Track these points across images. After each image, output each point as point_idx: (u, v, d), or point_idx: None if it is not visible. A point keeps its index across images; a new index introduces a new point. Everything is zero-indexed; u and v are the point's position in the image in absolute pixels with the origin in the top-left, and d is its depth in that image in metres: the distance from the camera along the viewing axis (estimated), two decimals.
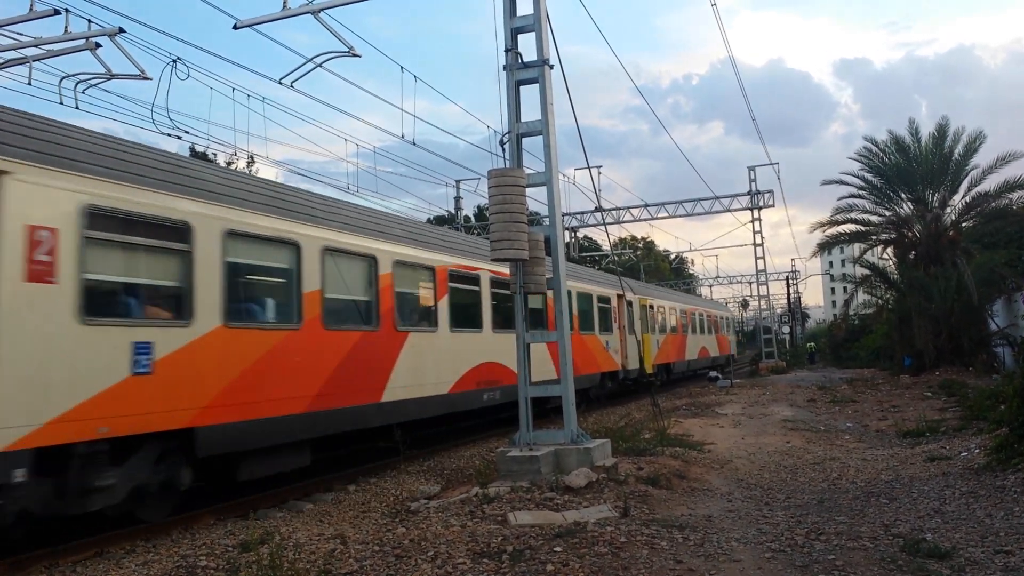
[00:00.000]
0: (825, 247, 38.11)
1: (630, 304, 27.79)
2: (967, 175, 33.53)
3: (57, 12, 14.01)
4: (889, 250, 37.07)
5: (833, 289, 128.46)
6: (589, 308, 21.61)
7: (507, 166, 11.89)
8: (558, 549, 7.16)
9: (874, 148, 35.22)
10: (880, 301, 38.68)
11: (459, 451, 16.61)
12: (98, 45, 14.63)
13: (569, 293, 17.95)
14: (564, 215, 35.12)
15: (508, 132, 11.99)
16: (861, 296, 43.65)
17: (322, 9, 14.19)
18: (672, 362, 33.40)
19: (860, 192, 35.58)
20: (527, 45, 12.00)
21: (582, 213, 43.20)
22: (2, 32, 14.71)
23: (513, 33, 12.00)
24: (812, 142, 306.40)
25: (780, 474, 11.64)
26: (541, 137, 11.80)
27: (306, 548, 7.80)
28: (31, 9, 14.15)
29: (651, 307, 30.77)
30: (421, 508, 9.69)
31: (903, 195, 34.87)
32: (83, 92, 15.80)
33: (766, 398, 25.15)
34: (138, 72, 15.17)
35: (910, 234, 34.92)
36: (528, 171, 11.93)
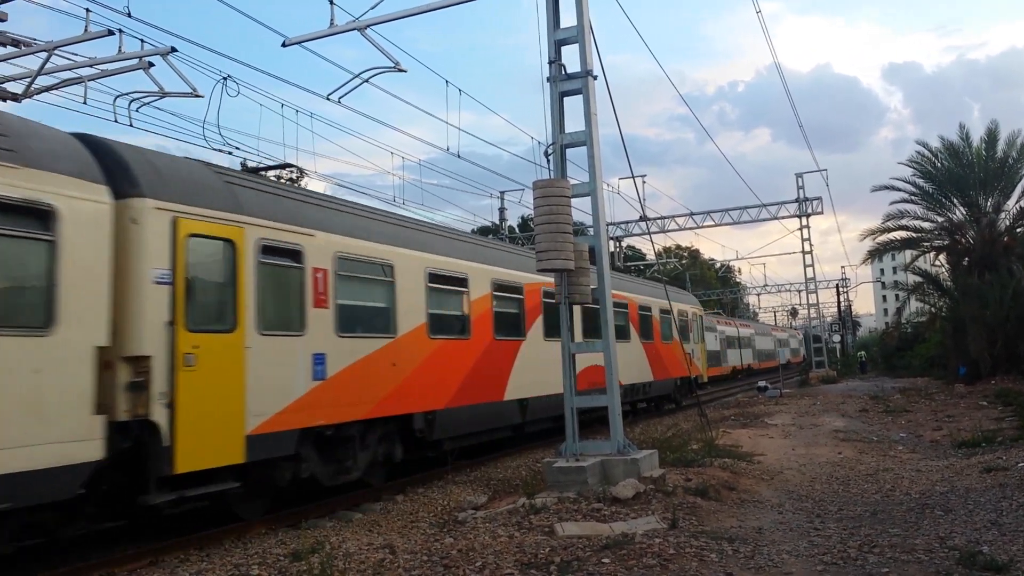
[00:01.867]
0: (876, 254, 37.50)
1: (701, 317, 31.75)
2: (1022, 179, 32.83)
3: (111, 33, 14.37)
4: (942, 257, 36.38)
5: (884, 297, 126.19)
6: (672, 321, 24.85)
7: (552, 177, 11.92)
8: (606, 561, 7.14)
9: (925, 153, 34.66)
10: (933, 309, 37.94)
11: (505, 461, 16.62)
12: (151, 64, 14.98)
13: (667, 310, 25.50)
14: (608, 225, 35.02)
15: (552, 143, 12.03)
16: (913, 304, 42.84)
17: (368, 25, 14.37)
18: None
19: (911, 198, 35.01)
20: (571, 56, 12.05)
21: (627, 223, 43.06)
22: (58, 53, 15.13)
23: (557, 45, 12.05)
24: (861, 148, 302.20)
25: (832, 486, 11.47)
26: (585, 148, 11.82)
27: (356, 558, 7.87)
28: (86, 30, 14.53)
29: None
30: (468, 518, 9.72)
31: (955, 200, 34.21)
32: (137, 110, 16.19)
33: (816, 408, 24.78)
34: (190, 90, 15.49)
35: (963, 240, 34.24)
36: (572, 181, 11.95)
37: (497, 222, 47.05)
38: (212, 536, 10.30)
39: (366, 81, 15.71)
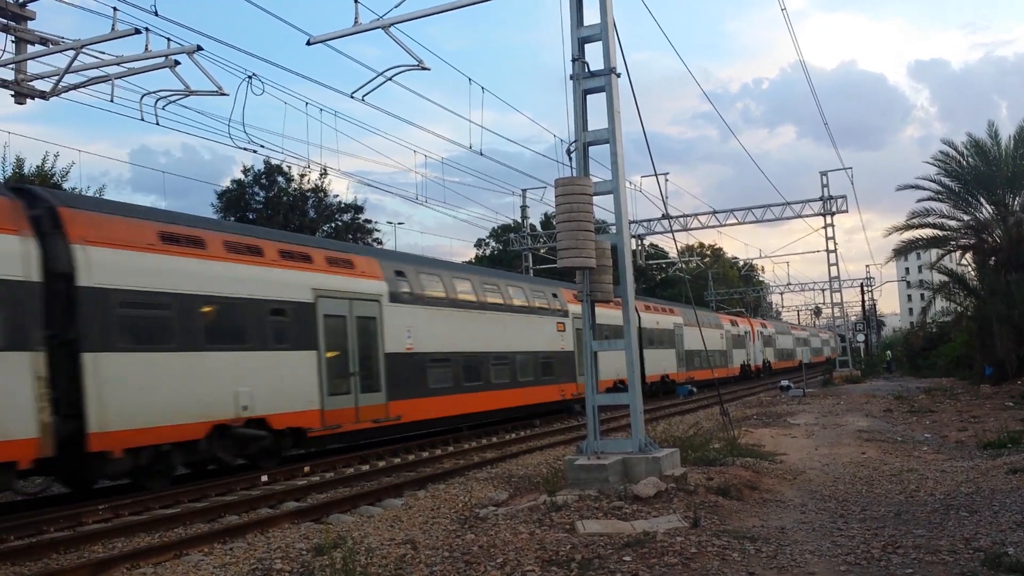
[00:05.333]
0: (901, 252, 37.13)
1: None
2: None
3: (138, 31, 14.52)
4: (968, 256, 35.97)
5: (910, 296, 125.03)
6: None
7: (574, 175, 11.92)
8: (627, 559, 7.14)
9: (951, 152, 34.25)
10: (959, 308, 37.53)
11: (526, 458, 16.66)
12: (177, 63, 15.12)
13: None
14: (631, 223, 35.01)
15: (575, 141, 12.03)
16: (939, 303, 42.39)
17: (392, 24, 14.42)
18: None
19: (938, 196, 34.63)
20: (594, 54, 12.02)
21: (649, 220, 42.96)
22: (86, 51, 15.30)
23: (580, 43, 12.03)
24: (887, 146, 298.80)
25: (855, 486, 11.39)
26: (608, 145, 11.81)
27: (378, 553, 7.92)
28: (113, 29, 14.69)
29: None
30: (490, 515, 9.74)
31: (982, 199, 33.77)
32: (163, 108, 16.36)
33: (840, 408, 24.63)
34: (215, 88, 15.63)
35: (990, 239, 33.83)
36: (595, 179, 11.94)
37: (519, 220, 47.06)
38: (236, 529, 10.42)
39: (390, 79, 15.78)
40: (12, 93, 15.36)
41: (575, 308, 25.84)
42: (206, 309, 14.43)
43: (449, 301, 21.38)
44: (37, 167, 31.74)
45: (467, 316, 22.05)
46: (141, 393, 12.98)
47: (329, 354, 16.87)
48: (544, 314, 26.03)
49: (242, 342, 14.98)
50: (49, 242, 12.26)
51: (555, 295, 27.23)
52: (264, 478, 14.66)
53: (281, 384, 15.64)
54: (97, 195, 32.36)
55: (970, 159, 33.74)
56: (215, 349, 14.38)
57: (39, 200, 12.86)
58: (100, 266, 12.73)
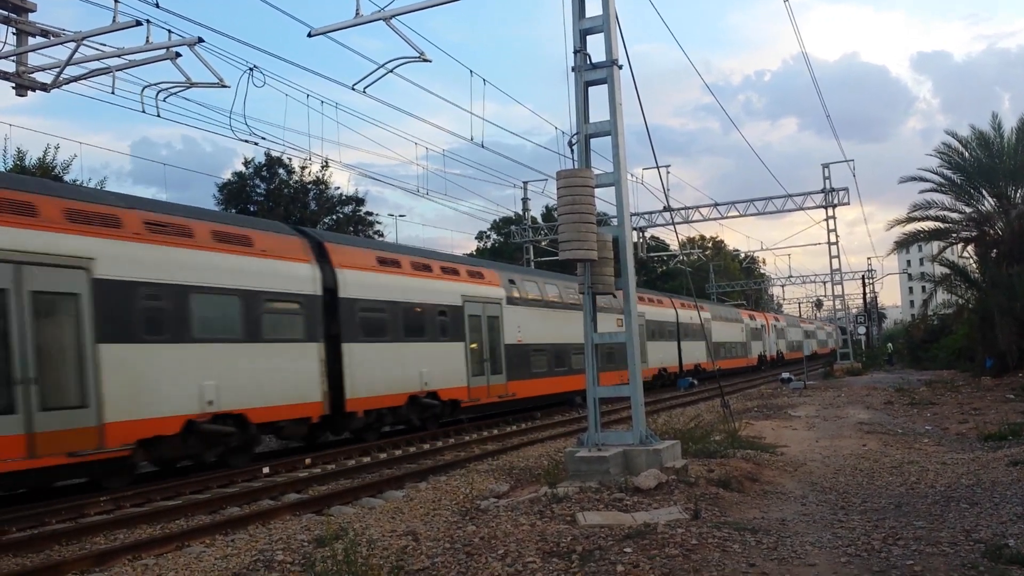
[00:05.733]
0: (903, 245, 37.11)
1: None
2: None
3: (139, 23, 14.48)
4: (970, 248, 35.92)
5: (911, 288, 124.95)
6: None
7: (575, 167, 11.90)
8: (628, 550, 7.15)
9: (954, 143, 34.17)
10: (960, 301, 37.49)
11: (527, 451, 16.68)
12: (178, 55, 15.09)
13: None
14: (632, 215, 35.00)
15: (576, 133, 12.01)
16: (940, 296, 42.34)
17: (393, 15, 14.39)
18: None
19: (940, 188, 34.56)
20: (596, 46, 11.99)
21: (650, 213, 42.93)
22: (87, 43, 15.26)
23: (582, 34, 12.00)
24: (889, 138, 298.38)
25: (856, 478, 11.40)
26: (609, 137, 11.79)
27: (379, 544, 7.93)
28: (114, 21, 14.65)
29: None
30: (491, 507, 9.76)
31: (984, 191, 33.71)
32: (164, 100, 16.33)
33: (841, 400, 24.63)
34: (216, 80, 15.59)
35: (992, 231, 33.77)
36: (596, 172, 11.92)
37: (520, 212, 47.02)
38: (237, 521, 10.44)
39: (391, 71, 15.75)
40: (13, 85, 15.34)
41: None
42: (403, 312, 19.69)
43: (544, 302, 26.68)
44: (38, 159, 31.72)
45: (556, 314, 27.05)
46: (372, 372, 18.20)
47: (471, 345, 22.19)
48: (610, 312, 29.70)
49: (423, 336, 20.26)
50: (322, 267, 17.31)
51: (614, 296, 31.48)
52: (265, 470, 14.70)
53: (444, 367, 20.85)
54: (99, 187, 32.35)
55: (973, 151, 33.68)
56: (409, 341, 19.64)
57: (310, 237, 18.10)
58: (349, 283, 17.93)
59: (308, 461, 15.79)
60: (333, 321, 17.30)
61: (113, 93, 15.80)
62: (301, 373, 16.32)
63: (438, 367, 20.46)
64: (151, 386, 13.26)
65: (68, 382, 12.20)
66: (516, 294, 24.85)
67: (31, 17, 15.19)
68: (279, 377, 15.75)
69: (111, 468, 12.85)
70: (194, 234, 14.58)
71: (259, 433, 15.64)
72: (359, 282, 18.17)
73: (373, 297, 18.58)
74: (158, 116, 16.36)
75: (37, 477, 11.93)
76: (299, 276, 16.64)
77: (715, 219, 41.97)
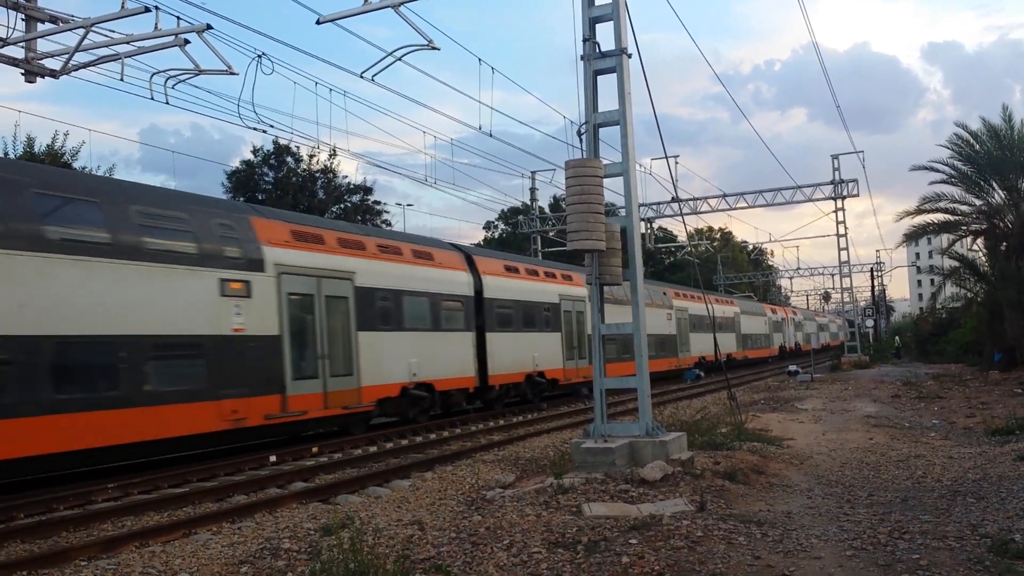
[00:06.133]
0: (912, 237, 36.91)
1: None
2: None
3: (148, 10, 14.48)
4: (979, 241, 35.73)
5: (920, 281, 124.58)
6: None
7: (584, 156, 11.86)
8: (633, 541, 7.16)
9: (964, 135, 33.94)
10: (969, 294, 37.34)
11: (533, 441, 16.70)
12: (187, 42, 15.07)
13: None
14: (640, 205, 34.94)
15: (585, 122, 11.96)
16: (949, 289, 42.18)
17: (402, 3, 14.34)
18: None
19: (950, 180, 34.35)
20: (605, 34, 11.92)
21: (658, 204, 42.86)
22: (95, 30, 15.26)
23: (591, 22, 11.94)
24: (899, 129, 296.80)
25: (862, 471, 11.38)
26: (618, 127, 11.74)
27: (385, 533, 7.96)
28: (123, 7, 14.65)
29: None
30: (496, 497, 9.78)
31: (995, 184, 33.50)
32: (172, 87, 16.33)
33: (848, 393, 24.59)
34: (225, 67, 15.57)
35: (1002, 224, 33.57)
36: (605, 161, 11.88)
37: (528, 202, 46.97)
38: (244, 508, 10.47)
39: (399, 59, 15.72)
40: (22, 71, 15.36)
41: (677, 303, 39.51)
42: (522, 308, 24.57)
43: (614, 299, 30.36)
44: (47, 146, 31.81)
45: (622, 309, 31.31)
46: (504, 355, 23.31)
47: (566, 335, 26.93)
48: (661, 308, 37.47)
49: (534, 327, 25.17)
50: (472, 274, 22.54)
51: (664, 293, 39.10)
52: (272, 458, 14.73)
53: (548, 352, 25.68)
54: (107, 175, 32.41)
55: (983, 143, 33.44)
56: (525, 331, 24.59)
57: (463, 250, 23.82)
58: (490, 286, 23.04)
59: (315, 450, 15.82)
60: (479, 315, 22.47)
61: (122, 80, 15.80)
62: (463, 355, 21.66)
63: (544, 352, 25.48)
64: (385, 361, 18.54)
65: (343, 357, 17.36)
66: None
67: (40, 3, 15.19)
68: (451, 357, 21.10)
69: (359, 419, 18.26)
70: (402, 253, 20.12)
71: (440, 399, 20.61)
72: (495, 285, 23.38)
73: (504, 297, 23.82)
74: (167, 103, 16.38)
75: (322, 424, 17.25)
76: (461, 282, 21.99)
77: (723, 210, 41.87)
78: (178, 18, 14.94)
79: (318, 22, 14.83)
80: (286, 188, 49.67)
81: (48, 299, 11.78)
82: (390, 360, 18.61)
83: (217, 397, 14.14)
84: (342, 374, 17.10)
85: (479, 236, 69.96)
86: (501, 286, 23.81)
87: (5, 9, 14.77)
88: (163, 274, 13.54)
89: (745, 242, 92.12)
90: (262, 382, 15.12)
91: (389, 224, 52.43)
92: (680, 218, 49.05)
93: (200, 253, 14.32)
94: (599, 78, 11.96)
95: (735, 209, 41.51)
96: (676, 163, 39.63)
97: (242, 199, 46.12)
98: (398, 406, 19.07)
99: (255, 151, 50.62)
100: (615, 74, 11.74)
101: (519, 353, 24.09)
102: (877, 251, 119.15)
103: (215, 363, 14.25)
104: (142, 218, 13.55)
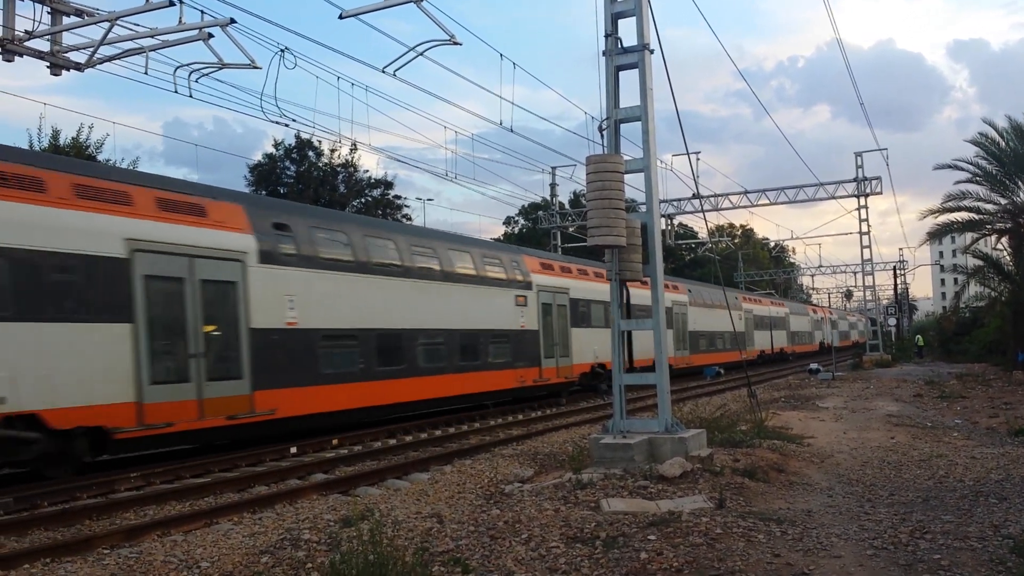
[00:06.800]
0: (936, 235, 36.56)
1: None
2: None
3: (172, 3, 14.54)
4: (1004, 240, 35.35)
5: (943, 280, 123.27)
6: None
7: (605, 152, 11.84)
8: (652, 537, 7.15)
9: (990, 133, 33.56)
10: (993, 293, 36.96)
11: (551, 436, 16.70)
12: (210, 35, 15.14)
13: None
14: (661, 202, 34.84)
15: (606, 118, 11.93)
16: (973, 288, 41.75)
17: None
18: None
19: (975, 178, 33.99)
20: (627, 30, 11.90)
21: (679, 200, 42.65)
22: (120, 23, 15.36)
23: (613, 18, 11.91)
24: (924, 127, 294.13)
25: (884, 470, 11.31)
26: (639, 123, 11.71)
27: (404, 525, 7.99)
28: (147, 1, 14.73)
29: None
30: (515, 491, 9.79)
31: (1020, 182, 33.12)
32: (196, 81, 16.42)
33: (870, 392, 24.42)
34: (248, 61, 15.63)
35: None
36: (626, 157, 11.86)
37: (548, 198, 46.90)
38: (265, 499, 10.56)
39: (421, 54, 15.73)
40: (48, 64, 15.48)
41: (745, 305, 47.10)
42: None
43: (701, 302, 40.12)
44: (72, 138, 32.09)
45: (705, 312, 39.97)
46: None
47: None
48: (733, 309, 42.31)
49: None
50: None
51: (736, 298, 45.78)
52: (293, 450, 14.84)
53: (604, 346, 24.67)
54: (131, 167, 32.66)
55: (1009, 141, 33.07)
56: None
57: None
58: (538, 284, 24.93)
59: (335, 442, 15.93)
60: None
61: (146, 73, 15.90)
62: (605, 344, 24.06)
63: (602, 346, 26.38)
64: (583, 347, 26.66)
65: (563, 344, 25.73)
66: (693, 300, 36.63)
67: None
68: (600, 346, 26.40)
69: (568, 387, 26.20)
70: (588, 273, 28.01)
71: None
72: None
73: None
74: (190, 97, 16.49)
75: (554, 388, 25.46)
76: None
77: (745, 207, 41.60)
78: (202, 12, 15.03)
79: (341, 16, 14.85)
80: (307, 182, 49.87)
81: (459, 309, 21.04)
82: (585, 346, 26.72)
83: (514, 367, 22.85)
84: (563, 355, 25.51)
85: (499, 231, 69.97)
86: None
87: (31, 2, 14.90)
88: (494, 293, 22.55)
89: (767, 239, 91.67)
90: (531, 358, 23.72)
91: (410, 219, 52.51)
92: (701, 214, 49.10)
93: (506, 279, 23.23)
94: (621, 74, 11.95)
95: (757, 206, 41.25)
96: (697, 159, 39.44)
97: (264, 193, 46.36)
98: (589, 378, 27.04)
99: (276, 145, 50.85)
100: (637, 70, 11.72)
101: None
102: (900, 249, 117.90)
103: (513, 346, 22.92)
104: (484, 260, 22.61)
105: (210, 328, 14.01)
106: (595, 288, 27.32)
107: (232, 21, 14.81)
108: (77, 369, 11.90)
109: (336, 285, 16.95)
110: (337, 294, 16.94)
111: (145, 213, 13.33)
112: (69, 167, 13.75)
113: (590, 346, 26.77)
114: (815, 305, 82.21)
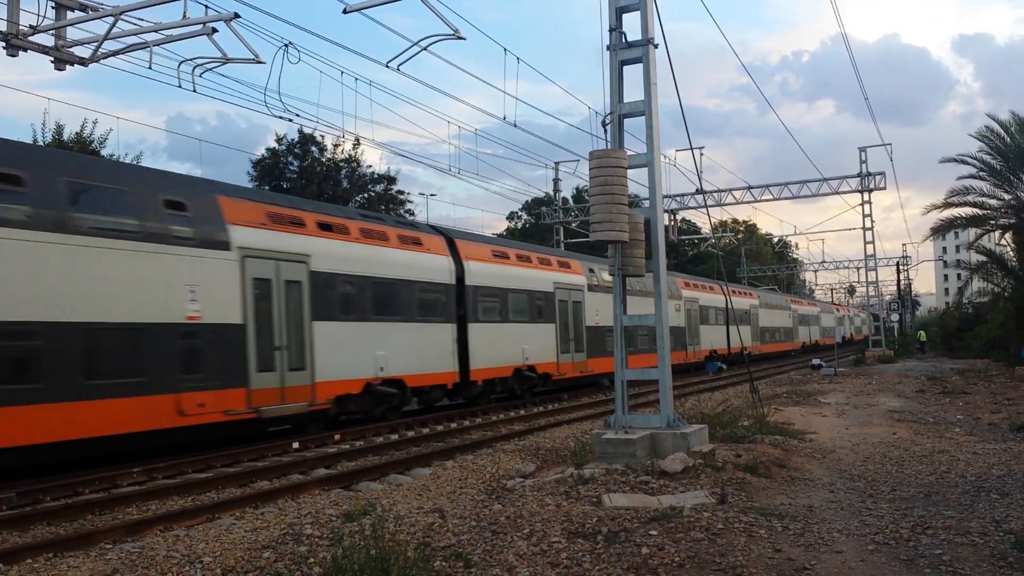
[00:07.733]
0: (939, 231, 36.50)
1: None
2: None
3: None
4: (1007, 236, 35.28)
5: (946, 276, 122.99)
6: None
7: (608, 147, 11.82)
8: (653, 532, 7.16)
9: (995, 128, 33.46)
10: (996, 289, 36.89)
11: (553, 432, 16.72)
12: (214, 30, 15.12)
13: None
14: (664, 197, 34.85)
15: (610, 113, 11.92)
16: (976, 284, 41.67)
17: None
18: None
19: (978, 174, 33.91)
20: (631, 24, 11.86)
21: (682, 195, 42.58)
22: (124, 18, 15.35)
23: (618, 12, 11.87)
24: (928, 122, 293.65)
25: (885, 466, 11.31)
26: (643, 118, 11.69)
27: (406, 520, 8.01)
28: None
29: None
30: (517, 486, 9.81)
31: None
32: (200, 76, 16.42)
33: (872, 388, 24.40)
34: (252, 56, 15.62)
35: None
36: (629, 152, 11.84)
37: (551, 193, 46.88)
38: (267, 494, 10.58)
39: (424, 49, 15.71)
40: (52, 59, 15.48)
41: (793, 306, 55.96)
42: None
43: (766, 304, 45.24)
44: (76, 133, 32.08)
45: (768, 312, 48.10)
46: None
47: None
48: (781, 309, 52.29)
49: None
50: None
51: (786, 300, 54.04)
52: (295, 444, 14.87)
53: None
54: (135, 162, 32.68)
55: (1014, 136, 32.98)
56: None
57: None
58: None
59: (337, 437, 15.95)
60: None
61: (150, 68, 15.87)
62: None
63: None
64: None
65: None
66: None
67: None
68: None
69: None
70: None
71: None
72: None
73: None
74: (194, 91, 16.46)
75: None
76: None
77: (748, 202, 41.62)
78: (206, 7, 15.01)
79: (345, 11, 14.84)
80: (311, 177, 49.88)
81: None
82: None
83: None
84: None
85: (502, 226, 69.97)
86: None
87: None
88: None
89: (770, 234, 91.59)
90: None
91: (413, 214, 52.51)
92: (704, 210, 49.21)
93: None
94: (625, 68, 11.91)
95: (760, 201, 41.26)
96: (701, 154, 39.44)
97: (267, 188, 46.34)
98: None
99: (279, 140, 50.83)
100: (641, 64, 11.69)
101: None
102: (904, 245, 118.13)
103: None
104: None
105: None
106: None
107: (236, 16, 14.80)
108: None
109: None
110: None
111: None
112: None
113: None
114: (838, 304, 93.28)
